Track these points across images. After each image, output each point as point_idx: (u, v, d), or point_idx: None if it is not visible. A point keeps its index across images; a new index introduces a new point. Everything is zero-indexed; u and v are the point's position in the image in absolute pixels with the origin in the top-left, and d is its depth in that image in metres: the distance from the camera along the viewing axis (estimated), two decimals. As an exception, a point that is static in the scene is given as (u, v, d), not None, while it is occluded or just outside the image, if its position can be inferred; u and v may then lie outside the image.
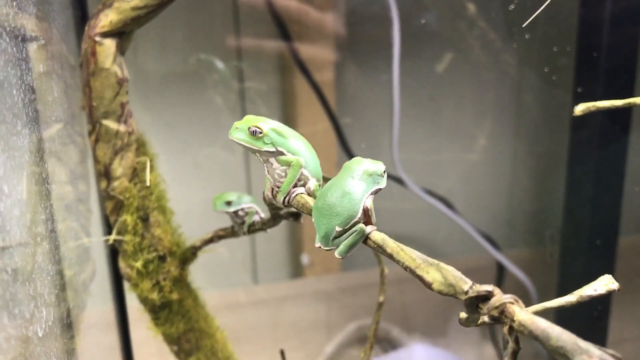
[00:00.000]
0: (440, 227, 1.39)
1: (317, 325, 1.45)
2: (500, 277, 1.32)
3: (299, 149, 0.52)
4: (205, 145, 1.06)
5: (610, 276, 0.53)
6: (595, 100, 0.61)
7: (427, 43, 1.11)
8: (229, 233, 0.70)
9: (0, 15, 0.59)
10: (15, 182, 0.64)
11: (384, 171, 0.49)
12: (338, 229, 0.46)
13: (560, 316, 1.02)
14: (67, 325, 0.74)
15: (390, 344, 1.45)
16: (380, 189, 0.49)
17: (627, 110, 1.05)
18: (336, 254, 0.47)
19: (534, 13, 0.67)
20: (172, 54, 1.01)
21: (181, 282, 0.73)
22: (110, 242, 0.69)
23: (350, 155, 1.21)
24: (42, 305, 0.70)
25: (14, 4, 0.61)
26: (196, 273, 0.95)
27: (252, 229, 0.68)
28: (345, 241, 0.47)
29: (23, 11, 0.63)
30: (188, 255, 0.72)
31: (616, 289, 0.52)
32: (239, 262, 1.36)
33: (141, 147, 0.69)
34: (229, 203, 0.67)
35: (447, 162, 1.31)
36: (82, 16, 0.74)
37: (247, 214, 0.68)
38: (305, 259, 1.38)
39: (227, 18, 1.04)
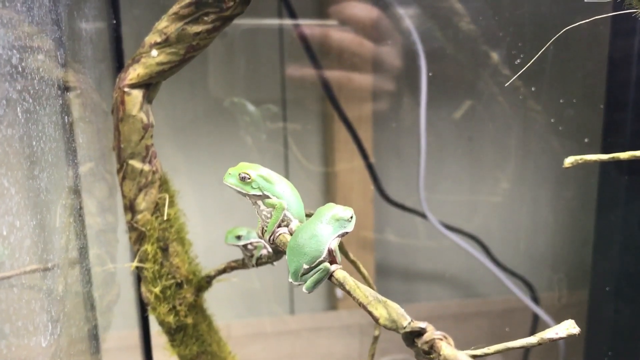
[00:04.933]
0: (472, 267, 1.40)
1: (349, 358, 1.48)
2: (536, 320, 1.32)
3: (283, 193, 0.59)
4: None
5: (572, 321, 0.57)
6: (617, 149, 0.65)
7: (451, 88, 1.17)
8: (240, 265, 0.78)
9: (45, 68, 0.69)
10: (53, 212, 0.74)
11: (351, 217, 0.55)
12: (305, 266, 0.52)
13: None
14: (94, 341, 0.83)
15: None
16: (347, 232, 0.54)
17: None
18: (303, 289, 0.53)
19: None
20: (204, 96, 1.10)
21: (196, 307, 0.80)
22: (132, 268, 0.77)
23: (382, 193, 1.27)
24: (72, 322, 0.79)
25: (58, 59, 0.71)
26: (235, 301, 1.01)
27: (260, 262, 0.75)
28: (312, 277, 0.53)
29: (63, 65, 0.73)
30: (203, 284, 0.80)
31: (576, 333, 0.55)
32: (276, 293, 1.41)
33: (164, 185, 0.77)
34: (238, 237, 0.74)
35: (474, 202, 1.34)
36: (118, 67, 0.84)
37: (255, 247, 0.75)
38: (339, 291, 1.42)
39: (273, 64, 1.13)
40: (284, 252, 0.68)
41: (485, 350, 0.56)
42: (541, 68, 1.13)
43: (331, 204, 0.56)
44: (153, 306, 0.78)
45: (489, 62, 1.10)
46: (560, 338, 0.58)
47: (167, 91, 0.98)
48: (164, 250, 0.77)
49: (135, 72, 0.72)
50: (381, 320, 0.47)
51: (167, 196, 0.75)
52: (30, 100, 0.61)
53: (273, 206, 0.59)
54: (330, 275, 0.53)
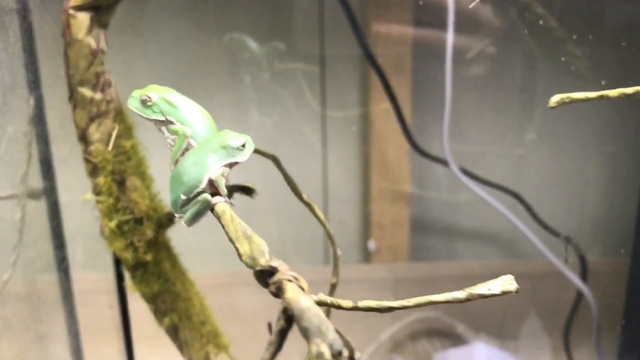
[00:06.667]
0: (514, 226, 1.29)
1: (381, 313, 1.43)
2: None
3: (190, 119, 0.53)
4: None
5: (510, 276, 0.49)
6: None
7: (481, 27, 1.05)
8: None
9: None
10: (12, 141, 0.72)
11: (243, 145, 0.48)
12: (182, 197, 0.47)
13: None
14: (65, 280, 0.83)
15: (453, 340, 1.39)
16: (236, 163, 0.48)
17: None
18: (182, 221, 0.48)
19: None
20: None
21: (157, 245, 0.77)
22: (86, 200, 0.75)
23: (414, 144, 1.19)
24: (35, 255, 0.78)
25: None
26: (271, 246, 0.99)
27: None
28: (191, 209, 0.47)
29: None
30: (164, 221, 0.77)
31: (513, 290, 0.47)
32: (310, 242, 1.38)
33: (119, 115, 0.74)
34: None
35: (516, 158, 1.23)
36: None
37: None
38: (371, 245, 1.37)
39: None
40: (251, 190, 0.63)
41: (404, 302, 0.50)
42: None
43: (226, 130, 0.50)
44: (110, 241, 0.76)
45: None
46: (493, 295, 0.50)
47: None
48: (120, 183, 0.75)
49: (80, -6, 0.68)
50: (243, 258, 0.42)
51: (116, 126, 0.72)
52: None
53: (176, 133, 0.53)
54: (212, 208, 0.47)
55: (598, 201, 1.23)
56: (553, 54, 0.97)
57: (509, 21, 0.99)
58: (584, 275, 1.18)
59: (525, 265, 1.35)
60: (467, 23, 1.02)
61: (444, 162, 1.17)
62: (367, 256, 1.38)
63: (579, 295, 1.20)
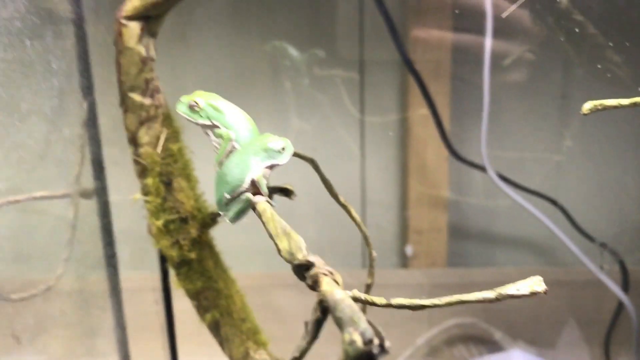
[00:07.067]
0: (552, 234, 1.28)
1: (418, 318, 1.44)
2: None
3: (234, 123, 0.57)
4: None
5: (539, 277, 0.50)
6: None
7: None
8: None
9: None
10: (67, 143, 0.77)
11: (283, 148, 0.51)
12: (227, 196, 0.50)
13: None
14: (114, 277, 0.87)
15: (490, 347, 1.39)
16: (276, 164, 0.51)
17: None
18: (226, 219, 0.51)
19: None
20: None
21: (201, 243, 0.81)
22: (135, 200, 0.79)
23: (451, 149, 1.20)
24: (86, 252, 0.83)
25: None
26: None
27: None
28: (234, 208, 0.50)
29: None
30: (208, 221, 0.80)
31: (542, 291, 0.49)
32: (348, 246, 1.40)
33: (166, 120, 0.78)
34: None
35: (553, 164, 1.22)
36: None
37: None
38: (409, 250, 1.38)
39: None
40: (289, 191, 0.66)
41: (436, 301, 0.51)
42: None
43: (267, 134, 0.53)
44: (156, 239, 0.80)
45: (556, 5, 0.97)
46: (523, 295, 0.51)
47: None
48: (167, 184, 0.78)
49: (131, 4, 0.72)
50: (282, 253, 0.44)
51: (165, 130, 0.75)
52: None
53: (221, 137, 0.56)
54: (253, 207, 0.50)
55: (637, 208, 1.21)
56: (590, 60, 0.97)
57: (547, 27, 1.00)
58: (624, 284, 1.17)
59: (564, 272, 1.34)
60: (505, 29, 1.03)
61: (481, 168, 1.17)
62: (404, 261, 1.39)
63: (620, 304, 1.18)
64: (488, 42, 1.04)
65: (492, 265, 1.37)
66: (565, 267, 1.32)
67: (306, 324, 0.67)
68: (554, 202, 1.19)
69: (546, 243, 1.33)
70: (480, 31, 1.04)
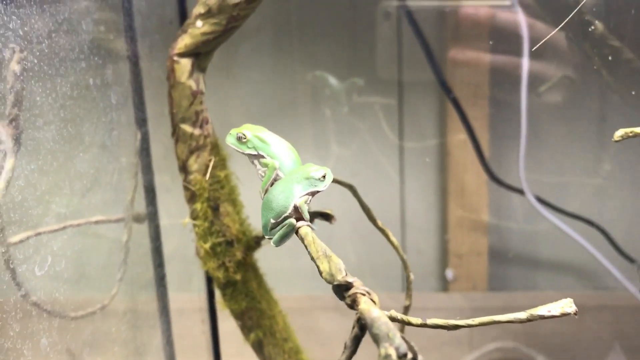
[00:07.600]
0: (594, 257, 1.28)
1: (459, 342, 1.45)
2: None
3: (278, 154, 0.61)
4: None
5: (570, 300, 0.52)
6: None
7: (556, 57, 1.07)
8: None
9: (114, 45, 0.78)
10: (123, 170, 0.83)
11: (323, 176, 0.55)
12: (272, 221, 0.54)
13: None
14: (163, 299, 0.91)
15: (532, 372, 1.38)
16: (317, 191, 0.55)
17: None
18: (272, 242, 0.55)
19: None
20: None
21: (245, 265, 0.85)
22: (185, 224, 0.84)
23: (490, 172, 1.21)
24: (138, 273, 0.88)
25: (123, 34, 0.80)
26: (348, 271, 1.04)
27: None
28: (279, 232, 0.54)
29: (128, 38, 0.81)
30: (252, 244, 0.84)
31: (572, 313, 0.51)
32: (388, 270, 1.42)
33: (214, 149, 0.83)
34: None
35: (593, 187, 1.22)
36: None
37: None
38: (449, 274, 1.39)
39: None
40: (329, 216, 0.70)
41: (470, 321, 0.54)
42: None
43: (309, 164, 0.57)
44: (204, 261, 0.84)
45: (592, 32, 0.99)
46: (553, 316, 0.53)
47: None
48: (215, 209, 0.83)
49: (183, 42, 0.78)
50: (323, 274, 0.48)
51: (212, 158, 0.80)
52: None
53: (267, 166, 0.61)
54: (296, 231, 0.54)
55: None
56: (625, 85, 0.98)
57: (583, 52, 1.01)
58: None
59: (607, 296, 1.33)
60: (542, 54, 1.05)
61: (520, 192, 1.18)
62: (445, 285, 1.40)
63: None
64: (525, 65, 1.06)
65: (533, 289, 1.37)
66: (608, 291, 1.31)
67: (345, 345, 0.70)
68: (593, 225, 1.19)
69: (587, 266, 1.32)
70: (519, 55, 1.06)
